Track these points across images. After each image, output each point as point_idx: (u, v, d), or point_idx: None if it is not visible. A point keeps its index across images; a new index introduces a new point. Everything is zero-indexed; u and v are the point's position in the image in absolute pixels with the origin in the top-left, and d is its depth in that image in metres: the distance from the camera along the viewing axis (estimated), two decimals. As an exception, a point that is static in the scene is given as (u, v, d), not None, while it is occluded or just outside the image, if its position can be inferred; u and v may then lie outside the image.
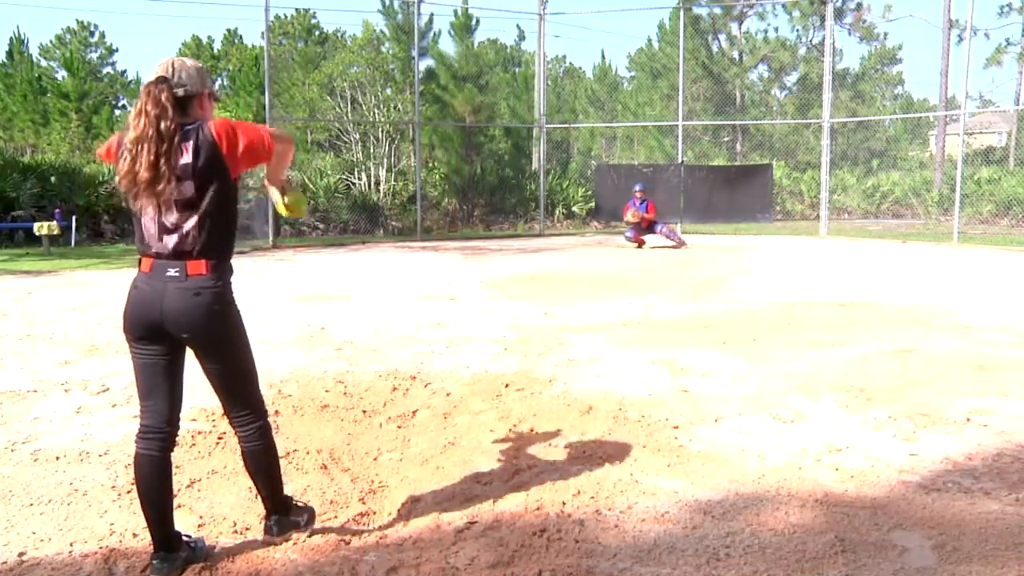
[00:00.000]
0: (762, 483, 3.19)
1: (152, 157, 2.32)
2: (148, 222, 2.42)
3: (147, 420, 2.50)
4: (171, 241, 2.40)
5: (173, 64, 2.45)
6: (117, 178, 2.40)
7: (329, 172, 20.30)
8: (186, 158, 2.36)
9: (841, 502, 3.00)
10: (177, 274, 2.39)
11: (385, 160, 20.62)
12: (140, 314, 2.43)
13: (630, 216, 14.70)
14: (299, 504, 2.85)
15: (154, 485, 2.48)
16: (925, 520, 2.84)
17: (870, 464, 3.39)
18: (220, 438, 3.72)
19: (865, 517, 2.87)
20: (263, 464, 2.67)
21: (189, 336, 2.43)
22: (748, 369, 5.11)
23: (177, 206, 2.38)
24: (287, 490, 2.84)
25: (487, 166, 21.56)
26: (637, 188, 15.02)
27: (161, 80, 2.39)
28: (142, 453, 2.48)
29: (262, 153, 2.47)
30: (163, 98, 2.35)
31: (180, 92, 2.41)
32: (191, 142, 2.37)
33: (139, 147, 2.33)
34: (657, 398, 4.43)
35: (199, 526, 2.83)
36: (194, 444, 3.65)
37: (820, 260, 13.01)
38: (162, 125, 2.33)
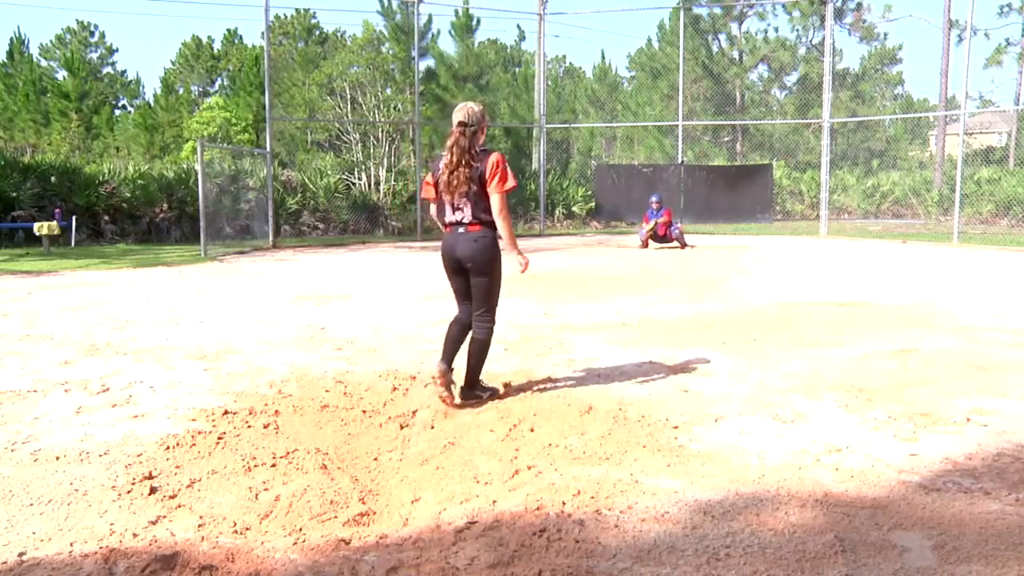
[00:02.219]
0: (762, 483, 3.19)
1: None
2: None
3: (459, 313, 4.33)
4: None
5: (467, 110, 4.10)
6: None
7: (329, 172, 20.30)
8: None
9: (841, 502, 3.00)
10: (464, 231, 4.13)
11: (385, 160, 20.63)
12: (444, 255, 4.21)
13: (651, 226, 15.06)
14: (484, 384, 4.38)
15: (454, 336, 4.26)
16: (925, 520, 2.84)
17: (870, 464, 3.39)
18: (220, 438, 3.72)
19: (865, 517, 2.86)
20: (476, 349, 4.25)
21: (471, 265, 4.12)
22: (748, 369, 5.11)
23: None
24: (286, 491, 2.91)
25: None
26: (654, 199, 15.22)
27: (460, 124, 4.06)
28: (454, 323, 4.29)
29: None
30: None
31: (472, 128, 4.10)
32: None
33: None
34: (657, 398, 4.43)
35: (199, 526, 2.83)
36: (194, 444, 3.64)
37: (820, 260, 13.02)
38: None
